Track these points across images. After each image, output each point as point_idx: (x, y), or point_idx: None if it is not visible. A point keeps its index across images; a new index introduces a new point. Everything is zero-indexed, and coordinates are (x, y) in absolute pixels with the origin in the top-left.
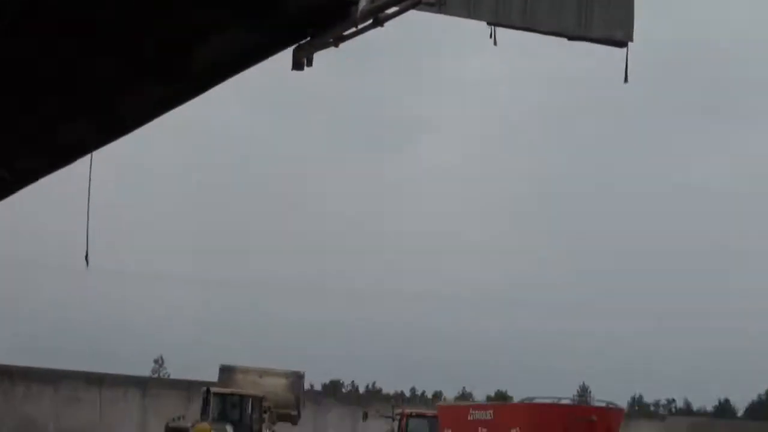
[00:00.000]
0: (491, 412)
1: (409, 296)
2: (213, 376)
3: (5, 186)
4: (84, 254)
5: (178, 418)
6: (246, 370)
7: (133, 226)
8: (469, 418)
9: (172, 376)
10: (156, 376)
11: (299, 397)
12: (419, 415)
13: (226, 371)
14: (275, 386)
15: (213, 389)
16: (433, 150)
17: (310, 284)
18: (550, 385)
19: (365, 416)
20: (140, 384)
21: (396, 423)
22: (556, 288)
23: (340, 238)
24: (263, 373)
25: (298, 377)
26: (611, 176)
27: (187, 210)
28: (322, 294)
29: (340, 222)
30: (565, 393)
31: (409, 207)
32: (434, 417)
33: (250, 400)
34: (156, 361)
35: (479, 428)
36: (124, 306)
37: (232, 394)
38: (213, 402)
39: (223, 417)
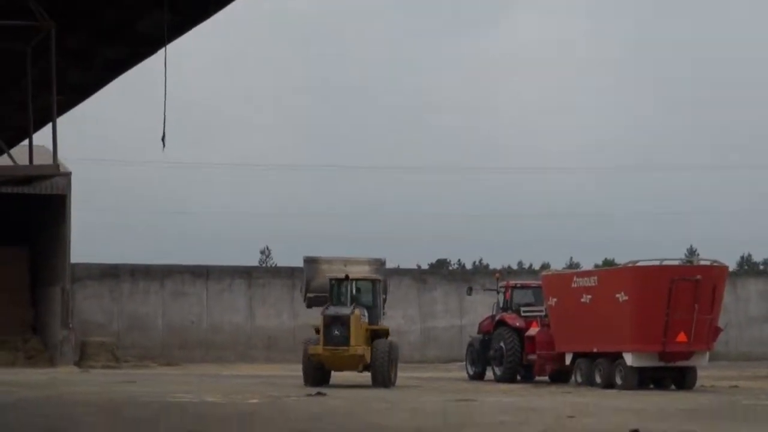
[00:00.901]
0: (595, 278)
1: (513, 171)
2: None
3: (86, 86)
4: (161, 137)
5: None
6: (330, 260)
7: (232, 118)
8: (573, 285)
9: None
10: (262, 265)
11: (384, 282)
12: (523, 286)
13: (311, 262)
14: (360, 274)
15: (331, 276)
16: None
17: (411, 167)
18: (658, 252)
19: (470, 291)
20: (245, 274)
21: (501, 295)
22: (661, 150)
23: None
24: (347, 261)
25: (381, 263)
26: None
27: (288, 95)
28: (423, 177)
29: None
30: (671, 254)
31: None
32: (538, 287)
33: (372, 283)
34: (262, 252)
35: (584, 294)
36: (234, 198)
37: (356, 279)
38: (339, 287)
39: (351, 301)
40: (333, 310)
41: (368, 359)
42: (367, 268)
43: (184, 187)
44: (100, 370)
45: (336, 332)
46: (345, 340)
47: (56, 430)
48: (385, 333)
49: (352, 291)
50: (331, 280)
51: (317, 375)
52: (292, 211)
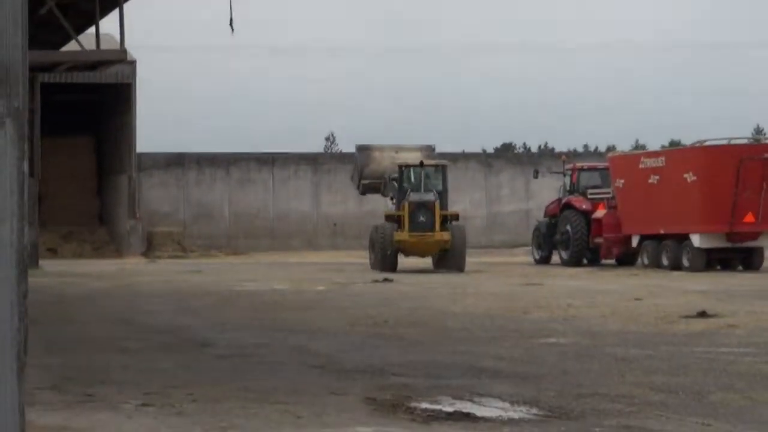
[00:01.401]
0: (663, 158)
1: (575, 50)
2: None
3: None
4: (228, 21)
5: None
6: (381, 148)
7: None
8: (640, 166)
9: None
10: (327, 152)
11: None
12: (590, 168)
13: (364, 150)
14: (411, 160)
15: (405, 162)
16: None
17: (476, 46)
18: (726, 132)
19: (536, 174)
20: (310, 161)
21: (567, 178)
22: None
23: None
24: (398, 149)
25: (431, 150)
26: None
27: None
28: (491, 62)
29: None
30: (739, 132)
31: None
32: (606, 169)
33: (442, 168)
34: (327, 138)
35: (651, 176)
36: (297, 84)
37: (421, 165)
38: (409, 174)
39: (420, 188)
40: (417, 197)
41: (448, 244)
42: (418, 154)
43: (249, 73)
44: (166, 260)
45: (422, 218)
46: (431, 226)
47: (128, 320)
48: (456, 217)
49: (423, 177)
50: (400, 166)
51: (392, 261)
52: (357, 98)
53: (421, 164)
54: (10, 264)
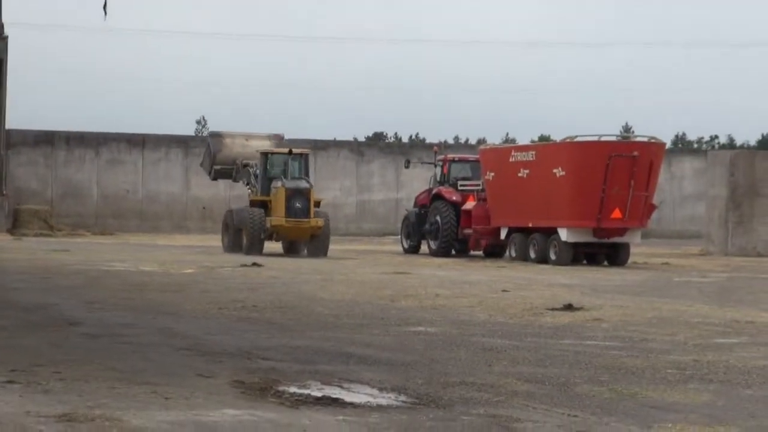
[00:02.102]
0: (533, 152)
1: (449, 44)
2: (261, 131)
3: None
4: (102, 5)
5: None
6: (233, 135)
7: None
8: (511, 159)
9: None
10: (198, 135)
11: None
12: (461, 160)
13: (216, 136)
14: (260, 148)
15: (270, 150)
16: None
17: (352, 38)
18: (595, 129)
19: (407, 164)
20: (181, 143)
21: (438, 169)
22: (595, 29)
23: None
24: (248, 137)
25: (280, 138)
26: None
27: None
28: (362, 50)
29: None
30: (608, 130)
31: None
32: (476, 161)
33: (306, 156)
34: (198, 122)
35: (521, 169)
36: (166, 67)
37: (291, 152)
38: (272, 160)
39: (288, 175)
40: (293, 184)
41: (320, 230)
42: (268, 143)
43: (123, 55)
44: (33, 238)
45: (298, 205)
46: (306, 212)
47: None
48: (318, 204)
49: (291, 165)
50: (264, 153)
51: (260, 245)
52: (229, 82)
53: (290, 152)
54: None
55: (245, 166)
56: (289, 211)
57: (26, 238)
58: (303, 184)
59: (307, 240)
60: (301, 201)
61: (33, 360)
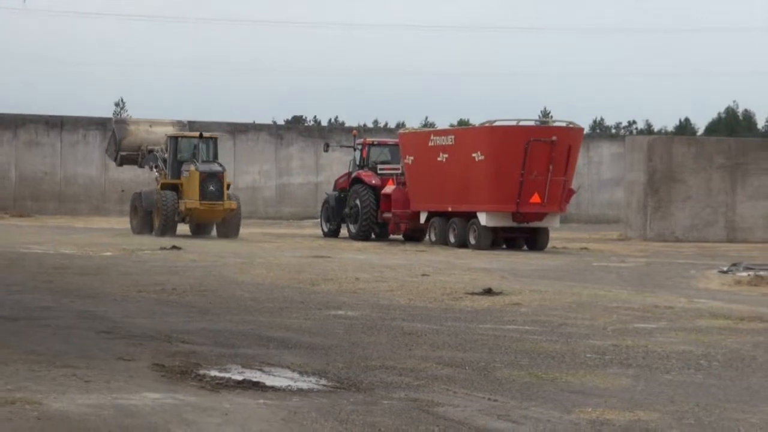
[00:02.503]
0: (452, 137)
1: (372, 29)
2: (177, 114)
3: None
4: None
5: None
6: (137, 122)
7: None
8: (430, 144)
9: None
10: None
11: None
12: (380, 144)
13: (121, 123)
14: (166, 133)
15: (180, 134)
16: None
17: (272, 21)
18: (513, 114)
19: (326, 147)
20: (101, 125)
21: (357, 153)
22: (512, 13)
23: None
24: (152, 123)
25: (183, 125)
26: None
27: None
28: (283, 31)
29: None
30: (527, 115)
31: None
32: (396, 145)
33: (215, 141)
34: (117, 104)
35: (440, 153)
36: (85, 49)
37: (202, 136)
38: (181, 144)
39: (199, 158)
40: (206, 167)
41: (233, 213)
42: (171, 129)
43: (43, 34)
44: None
45: (212, 188)
46: (220, 195)
47: None
48: (228, 187)
49: (200, 148)
50: (172, 137)
51: (173, 227)
52: (147, 64)
53: (201, 136)
54: None
55: (150, 151)
56: (204, 194)
57: None
58: (216, 167)
59: (219, 222)
60: (215, 184)
61: None
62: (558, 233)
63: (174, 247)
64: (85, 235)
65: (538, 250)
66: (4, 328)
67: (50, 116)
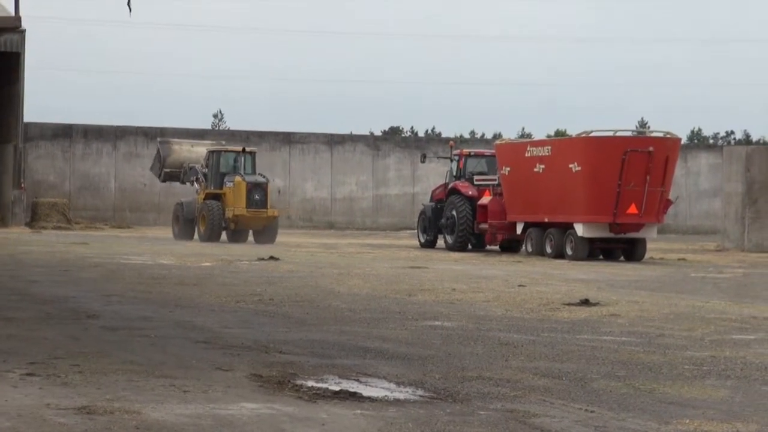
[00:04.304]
0: (549, 147)
1: (464, 39)
2: (275, 125)
3: None
4: (126, 2)
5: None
6: (180, 142)
7: None
8: (526, 155)
9: (231, 128)
10: (215, 128)
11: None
12: (477, 155)
13: (166, 143)
14: (204, 151)
15: (223, 148)
16: None
17: (368, 33)
18: (611, 124)
19: (423, 158)
20: (198, 136)
21: (454, 164)
22: (610, 25)
23: None
24: (194, 144)
25: (222, 144)
26: None
27: None
28: (380, 45)
29: None
30: (624, 125)
31: None
32: (492, 156)
33: (253, 154)
34: (215, 115)
35: (537, 164)
36: (183, 62)
37: (244, 151)
38: (222, 159)
39: (242, 171)
40: (253, 178)
41: (275, 220)
42: (208, 146)
43: (142, 48)
44: (51, 231)
45: (257, 197)
46: (264, 204)
47: (12, 289)
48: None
49: (242, 161)
50: (213, 152)
51: (219, 233)
52: (245, 77)
53: (243, 150)
54: None
55: (191, 168)
56: (250, 202)
57: (45, 231)
58: (260, 178)
59: (261, 228)
60: (259, 193)
61: (51, 352)
62: (655, 244)
63: (271, 258)
64: (184, 246)
65: (635, 261)
66: (103, 338)
67: (149, 128)
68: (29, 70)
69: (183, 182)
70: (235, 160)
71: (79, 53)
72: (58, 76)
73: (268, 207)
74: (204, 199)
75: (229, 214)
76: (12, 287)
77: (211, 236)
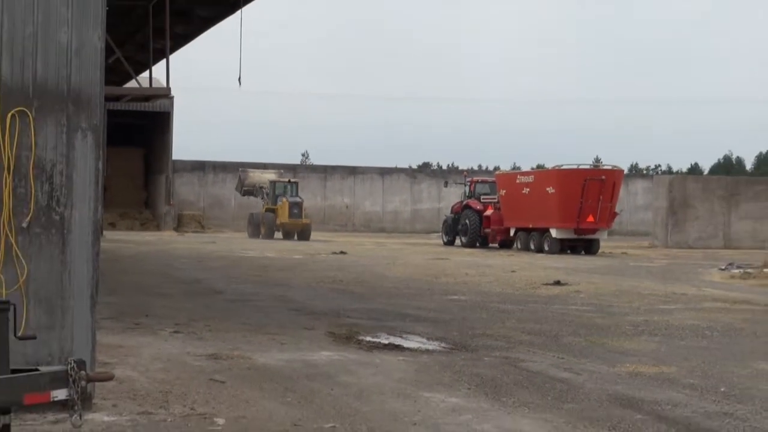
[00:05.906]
0: (532, 177)
1: (481, 101)
2: (345, 161)
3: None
4: (237, 78)
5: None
6: (254, 171)
7: (283, 52)
8: (517, 181)
9: (314, 164)
10: (302, 164)
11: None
12: (483, 181)
13: (244, 171)
14: (269, 178)
15: (278, 179)
16: None
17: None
18: (575, 159)
19: (446, 184)
20: (291, 169)
21: (467, 187)
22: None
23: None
24: (264, 171)
25: (281, 173)
26: None
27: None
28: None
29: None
30: (584, 161)
31: None
32: (493, 182)
33: (296, 183)
34: (303, 154)
35: (524, 188)
36: (279, 115)
37: (290, 181)
38: (277, 185)
39: (288, 194)
40: (293, 199)
41: (308, 227)
42: (273, 175)
43: (249, 105)
44: (191, 233)
45: (295, 211)
46: (300, 215)
47: (164, 273)
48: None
49: (288, 187)
50: (272, 181)
51: (272, 234)
52: (322, 127)
53: (290, 181)
54: (88, 231)
55: (261, 188)
56: (290, 215)
57: (186, 234)
58: (297, 199)
59: (299, 231)
60: (297, 209)
61: (191, 317)
62: (605, 243)
63: (342, 252)
64: (282, 244)
65: (592, 255)
66: (227, 307)
67: (258, 162)
68: (176, 124)
69: (256, 196)
70: (285, 187)
71: (207, 110)
72: (195, 127)
73: (303, 217)
74: (265, 211)
75: (278, 222)
76: (165, 273)
77: (268, 236)
